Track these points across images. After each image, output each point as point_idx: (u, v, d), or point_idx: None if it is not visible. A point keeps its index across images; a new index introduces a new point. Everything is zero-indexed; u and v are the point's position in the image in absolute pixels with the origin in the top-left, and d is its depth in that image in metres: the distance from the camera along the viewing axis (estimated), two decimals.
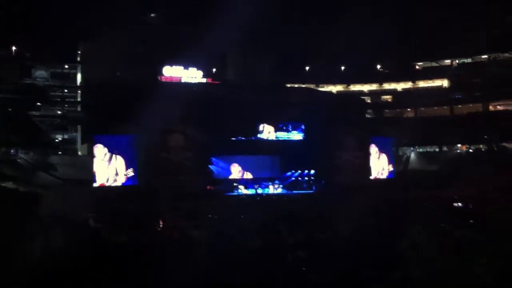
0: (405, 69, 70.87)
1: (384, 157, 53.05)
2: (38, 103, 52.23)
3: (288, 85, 64.84)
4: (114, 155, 41.07)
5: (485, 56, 67.14)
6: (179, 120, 43.80)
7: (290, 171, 49.36)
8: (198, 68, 52.57)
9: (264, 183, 47.50)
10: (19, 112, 47.28)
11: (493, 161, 51.02)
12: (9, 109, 46.72)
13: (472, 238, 17.35)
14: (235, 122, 46.75)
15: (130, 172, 41.25)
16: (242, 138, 48.49)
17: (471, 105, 65.96)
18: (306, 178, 49.69)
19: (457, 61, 69.66)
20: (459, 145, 62.59)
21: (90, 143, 43.22)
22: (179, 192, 36.96)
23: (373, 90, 71.92)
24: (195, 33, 52.20)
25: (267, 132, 49.65)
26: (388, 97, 72.38)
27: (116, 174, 41.09)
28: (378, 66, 71.98)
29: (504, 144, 58.99)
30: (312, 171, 49.57)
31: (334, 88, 70.65)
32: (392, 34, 60.78)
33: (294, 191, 47.69)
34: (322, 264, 13.41)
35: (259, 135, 49.32)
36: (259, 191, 46.81)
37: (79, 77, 55.01)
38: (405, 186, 44.26)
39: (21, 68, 50.96)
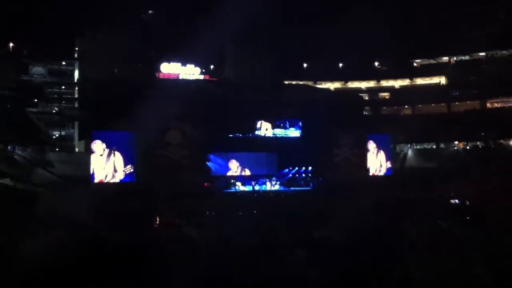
0: (403, 67, 70.78)
1: (382, 154, 53.11)
2: (35, 100, 52.09)
3: (286, 82, 64.82)
4: (112, 152, 40.98)
5: (483, 54, 67.10)
6: (177, 117, 43.81)
7: (288, 168, 49.46)
8: (196, 65, 52.56)
9: (262, 179, 47.65)
10: (16, 109, 47.16)
11: (490, 158, 51.15)
12: (6, 106, 46.58)
13: (469, 236, 17.43)
14: (233, 119, 46.83)
15: (129, 169, 41.20)
16: (240, 135, 48.56)
17: (468, 102, 66.03)
18: (304, 175, 49.83)
19: (455, 58, 69.62)
20: (456, 142, 62.62)
21: (88, 139, 43.13)
22: (176, 189, 37.04)
23: (371, 87, 71.83)
24: (193, 30, 52.10)
25: (265, 129, 49.68)
26: (386, 94, 72.33)
27: (115, 170, 41.02)
28: (376, 64, 71.89)
29: (501, 141, 59.10)
30: (310, 168, 49.69)
31: (332, 85, 70.58)
32: (390, 32, 60.76)
33: (292, 188, 47.82)
34: (320, 263, 13.42)
35: (256, 132, 49.37)
36: (257, 187, 46.93)
37: (76, 74, 54.85)
38: (402, 183, 44.38)
39: (18, 65, 50.78)
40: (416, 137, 61.73)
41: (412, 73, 70.63)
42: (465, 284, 12.22)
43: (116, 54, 51.21)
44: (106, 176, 40.73)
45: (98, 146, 40.79)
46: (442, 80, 68.99)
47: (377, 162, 52.73)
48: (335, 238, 15.90)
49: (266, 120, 49.62)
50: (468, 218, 27.98)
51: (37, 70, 52.98)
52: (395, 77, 70.93)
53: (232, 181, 46.93)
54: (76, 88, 55.14)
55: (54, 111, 53.53)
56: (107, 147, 40.88)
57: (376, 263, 13.06)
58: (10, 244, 16.04)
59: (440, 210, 30.32)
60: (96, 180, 40.23)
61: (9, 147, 44.49)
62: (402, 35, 63.57)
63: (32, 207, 25.81)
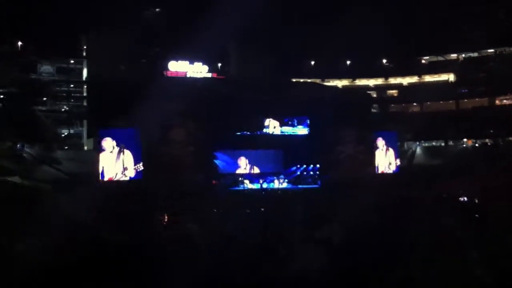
0: (411, 64, 70.61)
1: (391, 151, 52.87)
2: (44, 98, 52.38)
3: (294, 80, 64.75)
4: (122, 149, 41.04)
5: (492, 51, 66.75)
6: (184, 114, 43.84)
7: (295, 165, 49.42)
8: (204, 63, 52.69)
9: (269, 177, 47.69)
10: (24, 107, 47.44)
11: (499, 155, 50.85)
12: (14, 104, 46.87)
13: (474, 236, 17.30)
14: (240, 117, 46.94)
15: (140, 166, 41.22)
16: (247, 133, 48.56)
17: (477, 99, 65.73)
18: (311, 173, 49.76)
19: (463, 55, 69.33)
20: (464, 140, 62.33)
21: (96, 137, 43.31)
22: (182, 187, 37.10)
23: (379, 85, 71.69)
24: (199, 28, 52.13)
25: (272, 126, 49.64)
26: (394, 92, 72.16)
27: (125, 168, 41.05)
28: (384, 61, 71.67)
29: (510, 138, 58.75)
30: (317, 166, 49.62)
31: (340, 83, 70.50)
32: (398, 29, 60.59)
33: (299, 186, 47.81)
34: (321, 263, 13.37)
35: (264, 130, 49.35)
36: (264, 185, 46.96)
37: (84, 72, 55.10)
38: (410, 181, 44.19)
39: (26, 63, 51.06)
40: (424, 135, 61.57)
41: (420, 70, 70.37)
42: (466, 285, 12.14)
43: (123, 52, 51.41)
44: (116, 174, 40.78)
45: (108, 143, 40.84)
46: (451, 77, 68.71)
47: (386, 159, 52.50)
48: (336, 238, 15.81)
49: (274, 118, 49.58)
50: (476, 216, 27.90)
51: (46, 68, 53.28)
52: (403, 74, 70.73)
53: (240, 178, 46.99)
54: (85, 86, 55.36)
55: (62, 109, 53.79)
56: (117, 145, 40.95)
57: (377, 263, 13.01)
58: (14, 242, 16.14)
59: (448, 208, 30.24)
60: (106, 178, 40.32)
61: (18, 145, 44.78)
62: (409, 30, 63.35)
63: (38, 204, 25.94)
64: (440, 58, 70.39)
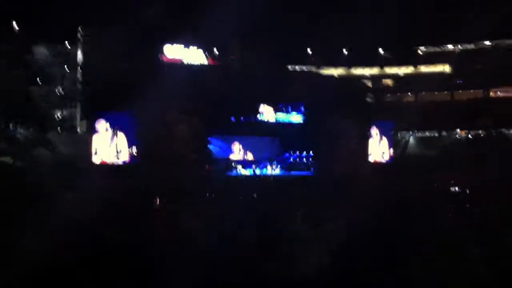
0: (407, 54, 70.66)
1: (385, 141, 52.98)
2: (37, 80, 52.08)
3: (289, 68, 64.68)
4: (116, 132, 40.88)
5: (488, 43, 66.84)
6: (178, 99, 43.74)
7: (289, 152, 49.57)
8: (199, 47, 52.55)
9: (263, 163, 47.81)
10: (18, 88, 47.16)
11: (491, 147, 51.11)
12: (7, 85, 46.59)
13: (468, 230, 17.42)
14: (235, 103, 46.90)
15: (134, 151, 41.10)
16: (241, 119, 48.58)
17: (472, 91, 65.93)
18: (304, 160, 49.93)
19: (459, 47, 69.42)
20: (458, 131, 62.57)
21: (90, 120, 43.15)
22: (176, 172, 37.14)
23: (375, 74, 71.74)
24: (196, 14, 51.91)
25: (267, 113, 49.67)
26: (389, 81, 72.23)
27: (118, 151, 40.93)
28: (381, 50, 71.64)
29: (503, 130, 59.03)
30: (311, 153, 49.78)
31: (336, 72, 70.47)
32: (395, 19, 60.46)
33: (292, 172, 47.98)
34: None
35: (258, 116, 49.38)
36: (257, 171, 47.10)
37: (79, 54, 54.80)
38: (403, 171, 44.40)
39: (21, 44, 50.70)
40: (418, 125, 61.76)
41: (416, 61, 70.47)
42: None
43: (118, 35, 51.10)
44: (109, 157, 40.65)
45: (101, 125, 40.65)
46: (446, 68, 68.83)
47: (379, 149, 52.61)
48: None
49: (268, 104, 49.63)
50: (467, 205, 28.12)
51: (40, 50, 52.89)
52: (399, 64, 70.80)
53: (233, 164, 47.10)
54: (79, 69, 55.09)
55: (56, 91, 53.54)
56: (110, 128, 40.78)
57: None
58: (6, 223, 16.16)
59: (439, 197, 30.45)
60: (98, 161, 40.21)
61: (10, 126, 44.61)
62: (401, 24, 63.23)
63: (29, 185, 25.91)
64: (437, 49, 70.45)
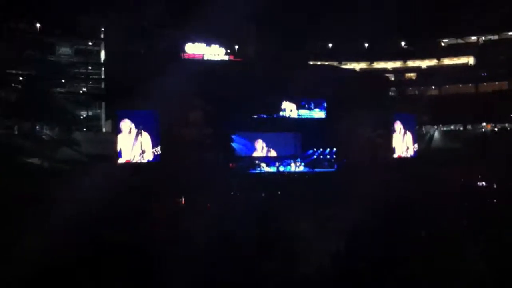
0: (430, 47, 69.80)
1: (408, 135, 52.50)
2: (62, 80, 52.66)
3: (311, 63, 64.36)
4: (140, 131, 41.17)
5: None
6: (201, 97, 43.91)
7: (312, 149, 49.39)
8: (220, 45, 52.65)
9: (286, 160, 47.73)
10: (43, 89, 47.76)
11: None
12: (33, 86, 47.23)
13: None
14: (257, 100, 46.88)
15: (158, 150, 41.35)
16: (264, 116, 48.54)
17: (496, 83, 64.86)
18: (328, 156, 49.70)
19: (483, 38, 68.36)
20: (484, 124, 61.66)
21: (114, 119, 43.52)
22: (201, 169, 37.31)
23: (397, 68, 71.02)
24: (217, 9, 51.97)
25: (289, 109, 49.58)
26: (412, 75, 71.45)
27: (143, 151, 41.22)
28: (403, 43, 70.93)
29: None
30: (334, 149, 49.52)
31: (358, 66, 69.94)
32: (417, 11, 59.85)
33: (316, 169, 47.79)
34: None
35: (281, 113, 49.30)
36: (281, 168, 47.05)
37: (102, 54, 55.24)
38: (428, 165, 43.96)
39: (45, 45, 51.30)
40: (443, 119, 61.01)
41: (439, 53, 69.57)
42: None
43: (140, 34, 51.49)
44: (134, 157, 40.98)
45: (125, 125, 40.98)
46: (470, 60, 67.84)
47: (403, 143, 52.17)
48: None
49: (291, 101, 49.52)
50: (495, 200, 27.78)
51: (64, 50, 53.43)
52: (422, 57, 69.99)
53: (257, 162, 47.10)
54: (103, 68, 55.53)
55: (81, 91, 54.08)
56: (135, 127, 41.10)
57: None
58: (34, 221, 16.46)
59: (466, 192, 30.12)
60: (123, 160, 40.56)
61: (37, 127, 45.26)
62: (428, 12, 62.55)
63: (57, 185, 26.32)
64: (460, 41, 69.45)
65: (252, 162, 47.04)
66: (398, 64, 70.97)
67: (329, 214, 20.10)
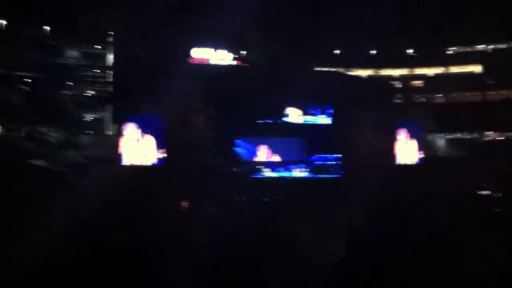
0: (437, 54, 69.71)
1: (413, 142, 52.35)
2: (69, 83, 52.95)
3: (318, 69, 64.41)
4: (144, 135, 41.32)
5: None
6: (206, 101, 44.05)
7: (317, 154, 49.30)
8: (228, 50, 52.87)
9: (290, 166, 47.67)
10: (49, 92, 48.04)
11: None
12: (40, 89, 47.52)
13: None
14: (263, 105, 47.00)
15: (163, 154, 41.45)
16: (269, 121, 48.59)
17: (504, 91, 64.68)
18: (333, 162, 49.58)
19: (491, 46, 68.23)
20: (490, 133, 61.45)
21: (120, 122, 43.70)
22: (205, 174, 37.33)
23: (404, 75, 70.92)
24: (224, 14, 52.17)
25: (295, 115, 49.60)
26: (419, 82, 71.33)
27: (147, 154, 41.34)
28: (410, 51, 70.86)
29: None
30: (339, 155, 49.42)
31: (364, 72, 69.86)
32: (424, 18, 59.84)
33: (320, 175, 47.68)
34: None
35: (286, 119, 49.34)
36: (285, 174, 46.99)
37: (110, 57, 55.54)
38: (432, 173, 43.78)
39: (52, 48, 51.62)
40: (449, 126, 60.83)
41: (446, 61, 69.47)
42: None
43: (147, 38, 51.75)
44: (139, 160, 41.07)
45: (130, 129, 41.18)
46: (478, 68, 67.69)
47: (407, 150, 52.00)
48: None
49: (296, 107, 49.58)
50: (498, 210, 27.61)
51: (72, 53, 53.76)
52: (428, 65, 69.89)
53: (261, 167, 47.09)
54: (110, 71, 55.81)
55: (88, 94, 54.32)
56: (139, 130, 41.23)
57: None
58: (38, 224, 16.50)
59: (468, 200, 29.95)
60: (128, 163, 40.66)
61: (44, 129, 45.50)
62: (435, 20, 62.50)
63: (62, 188, 26.37)
64: (467, 49, 69.33)
65: (256, 167, 47.05)
66: (404, 71, 70.89)
67: (335, 219, 20.02)
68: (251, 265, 13.16)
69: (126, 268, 12.83)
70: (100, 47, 55.81)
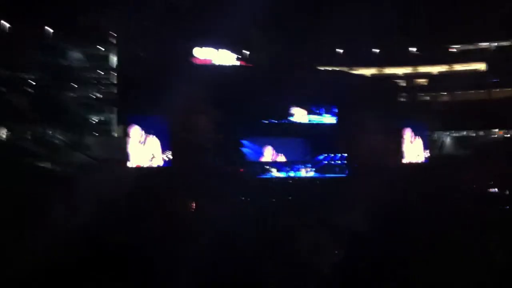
0: (441, 52, 69.61)
1: (419, 141, 52.30)
2: (74, 84, 52.97)
3: (321, 68, 64.37)
4: (150, 137, 41.39)
5: None
6: (211, 102, 43.98)
7: (323, 154, 49.29)
8: (231, 50, 52.83)
9: (296, 166, 47.73)
10: (55, 93, 48.07)
11: None
12: (43, 91, 47.54)
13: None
14: (268, 105, 46.99)
15: (169, 155, 41.51)
16: (274, 121, 48.60)
17: (510, 89, 64.55)
18: (339, 162, 49.57)
19: (495, 44, 68.06)
20: (496, 130, 61.32)
21: (125, 124, 43.78)
22: (211, 175, 37.32)
23: (408, 74, 70.84)
24: (227, 15, 52.20)
25: (300, 115, 49.60)
26: (423, 81, 71.25)
27: (153, 156, 41.40)
28: (414, 49, 70.74)
29: None
30: (345, 155, 49.40)
31: (368, 71, 69.78)
32: (428, 16, 59.73)
33: (326, 175, 47.71)
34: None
35: (291, 118, 49.33)
36: (291, 174, 47.02)
37: (113, 59, 55.58)
38: (438, 172, 43.69)
39: (56, 49, 51.65)
40: (454, 125, 60.74)
41: (451, 59, 69.35)
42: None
43: (151, 39, 51.74)
44: (144, 161, 41.13)
45: (135, 130, 41.25)
46: (482, 66, 67.53)
47: (413, 149, 51.97)
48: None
49: (301, 106, 49.56)
50: (507, 207, 27.57)
51: (76, 55, 53.79)
52: (432, 63, 69.77)
53: (267, 167, 47.12)
54: (114, 73, 55.86)
55: (93, 95, 54.36)
56: (144, 132, 41.31)
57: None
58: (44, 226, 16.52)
59: (477, 198, 29.86)
60: (133, 165, 40.73)
61: (49, 131, 45.52)
62: (438, 17, 62.37)
63: (68, 190, 26.39)
64: (471, 47, 69.18)
65: (262, 167, 47.09)
66: (409, 70, 70.80)
67: (342, 219, 19.96)
68: (256, 266, 13.17)
69: (130, 267, 12.87)
70: (103, 49, 55.83)
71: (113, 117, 54.41)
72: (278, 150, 48.45)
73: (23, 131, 44.70)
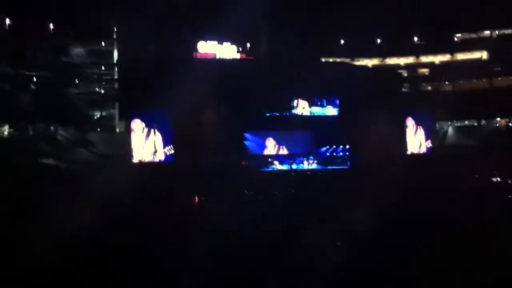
0: (443, 42, 69.23)
1: (421, 132, 52.22)
2: (76, 81, 53.00)
3: (323, 59, 64.17)
4: (152, 131, 41.47)
5: None
6: (213, 96, 43.99)
7: (325, 146, 49.26)
8: (232, 43, 52.67)
9: (299, 158, 47.71)
10: (57, 90, 48.13)
11: None
12: (47, 87, 47.60)
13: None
14: (269, 98, 46.98)
15: (170, 149, 41.60)
16: (277, 114, 48.57)
17: (511, 77, 64.24)
18: (341, 154, 49.54)
19: (497, 32, 67.69)
20: (498, 119, 61.15)
21: (128, 119, 43.83)
22: (214, 168, 37.43)
23: (410, 63, 70.51)
24: (228, 7, 52.07)
25: (302, 107, 49.54)
26: (425, 70, 70.91)
27: (155, 150, 41.51)
28: (415, 39, 70.41)
29: None
30: (347, 147, 49.37)
31: (370, 62, 69.51)
32: (430, 5, 59.45)
33: (329, 167, 47.71)
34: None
35: (293, 111, 49.27)
36: (294, 166, 47.05)
37: (115, 54, 55.53)
38: (441, 162, 43.70)
39: (58, 46, 51.61)
40: (457, 114, 60.54)
41: (453, 48, 69.00)
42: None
43: (152, 34, 51.61)
44: (147, 156, 41.24)
45: (137, 125, 41.33)
46: (484, 55, 67.21)
47: (416, 140, 51.91)
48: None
49: (303, 98, 49.46)
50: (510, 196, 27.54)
51: (77, 51, 53.72)
52: (434, 52, 69.41)
53: (270, 160, 47.14)
54: (116, 68, 55.83)
55: (95, 91, 54.39)
56: (146, 127, 41.37)
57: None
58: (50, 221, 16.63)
59: (480, 188, 29.87)
60: (136, 160, 40.85)
61: (51, 128, 45.64)
62: (441, 6, 62.00)
63: (72, 186, 26.53)
64: (473, 36, 68.81)
65: (265, 160, 47.11)
66: (411, 59, 70.48)
67: (346, 212, 20.01)
68: (259, 259, 13.23)
69: (135, 261, 12.96)
70: (105, 45, 55.79)
71: (115, 112, 54.42)
72: (280, 143, 48.40)
73: (26, 128, 44.89)
